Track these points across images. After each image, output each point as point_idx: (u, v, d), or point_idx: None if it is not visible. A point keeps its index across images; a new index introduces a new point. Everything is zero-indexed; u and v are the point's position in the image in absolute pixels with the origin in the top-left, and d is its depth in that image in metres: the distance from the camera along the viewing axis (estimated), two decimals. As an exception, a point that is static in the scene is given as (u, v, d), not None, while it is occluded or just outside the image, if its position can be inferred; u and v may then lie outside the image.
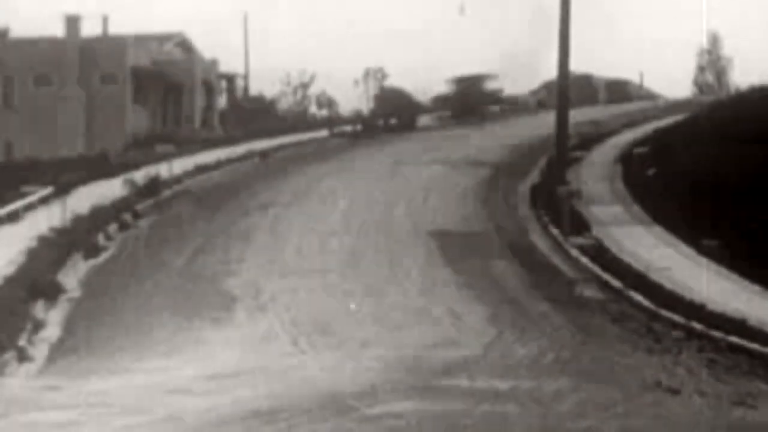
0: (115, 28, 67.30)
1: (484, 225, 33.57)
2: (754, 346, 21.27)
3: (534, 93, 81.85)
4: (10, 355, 21.16)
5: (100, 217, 33.53)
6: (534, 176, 40.78)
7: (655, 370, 19.97)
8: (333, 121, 66.73)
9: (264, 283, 26.77)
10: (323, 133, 58.84)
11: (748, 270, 26.57)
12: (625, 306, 24.83)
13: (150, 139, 57.65)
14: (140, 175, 39.98)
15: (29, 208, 35.64)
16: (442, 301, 25.08)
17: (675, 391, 18.56)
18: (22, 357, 21.23)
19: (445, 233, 32.07)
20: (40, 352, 21.74)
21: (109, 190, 37.98)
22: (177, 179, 41.56)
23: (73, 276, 27.72)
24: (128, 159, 47.49)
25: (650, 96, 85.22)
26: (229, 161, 46.97)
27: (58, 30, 63.15)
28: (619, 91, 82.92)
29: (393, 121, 61.79)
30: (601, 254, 28.95)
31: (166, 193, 39.32)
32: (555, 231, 31.86)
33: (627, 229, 32.13)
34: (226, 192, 39.98)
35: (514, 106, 71.15)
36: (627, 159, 43.48)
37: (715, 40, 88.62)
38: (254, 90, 79.10)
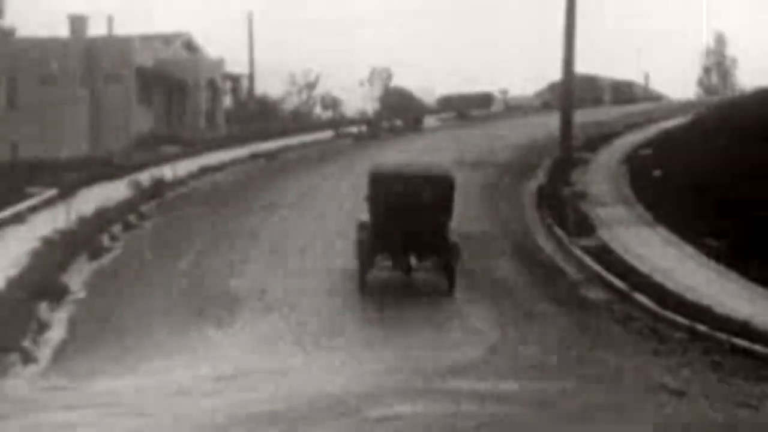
0: (121, 29, 67.54)
1: (489, 226, 33.55)
2: (758, 347, 21.28)
3: (539, 94, 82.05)
4: (14, 356, 21.17)
5: (104, 218, 33.53)
6: (539, 177, 40.79)
7: (659, 372, 19.98)
8: (338, 122, 66.76)
9: (268, 283, 26.77)
10: (328, 134, 58.84)
11: (752, 271, 26.57)
12: (629, 307, 24.83)
13: (155, 140, 57.68)
14: (145, 177, 40.01)
15: (34, 209, 35.64)
16: (447, 302, 25.08)
17: (680, 393, 18.55)
18: (27, 358, 21.24)
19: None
20: (44, 353, 21.74)
21: (113, 191, 38.00)
22: (181, 180, 41.59)
23: (77, 277, 27.72)
24: (133, 160, 47.50)
25: (655, 97, 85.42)
26: (234, 162, 46.98)
27: (63, 30, 63.31)
28: (624, 92, 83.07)
29: (398, 122, 61.82)
30: (605, 255, 28.95)
31: (171, 194, 39.34)
32: (560, 232, 31.87)
33: (632, 230, 32.13)
34: (231, 193, 40.01)
35: None
36: (632, 160, 43.52)
37: (720, 41, 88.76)
38: (259, 90, 79.27)
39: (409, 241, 25.61)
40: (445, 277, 25.83)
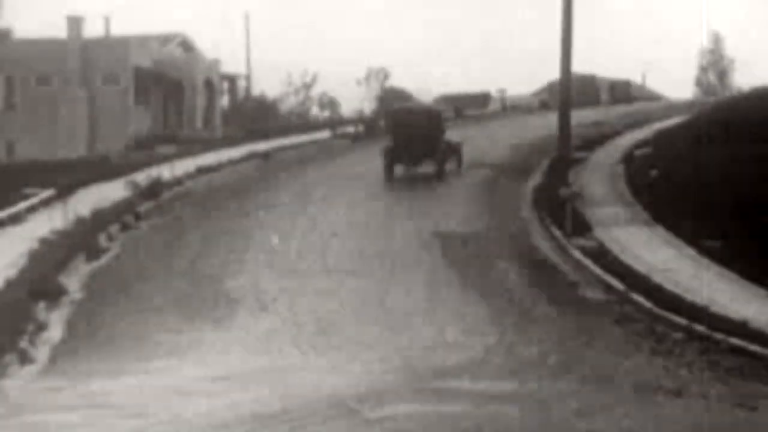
0: (117, 29, 67.51)
1: (487, 226, 33.52)
2: (756, 347, 21.25)
3: (536, 94, 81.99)
4: (11, 356, 21.14)
5: (101, 218, 33.50)
6: (536, 177, 40.78)
7: (656, 372, 19.95)
8: (335, 122, 66.72)
9: (265, 284, 26.76)
10: (325, 134, 58.82)
11: (749, 271, 26.54)
12: (626, 308, 24.79)
13: (152, 140, 57.68)
14: (142, 177, 39.99)
15: (31, 209, 35.61)
16: (445, 303, 25.07)
17: (677, 393, 18.53)
18: (24, 359, 21.21)
19: (447, 234, 32.03)
20: (41, 353, 21.71)
21: (110, 191, 37.97)
22: (179, 181, 41.62)
23: (74, 277, 27.70)
24: (130, 160, 47.50)
25: (653, 96, 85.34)
26: (231, 162, 47.04)
27: (60, 31, 63.22)
28: (621, 91, 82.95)
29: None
30: (603, 255, 28.91)
31: (168, 194, 39.34)
32: (557, 232, 31.84)
33: (629, 230, 32.10)
34: (228, 193, 40.00)
35: None
36: (629, 160, 43.49)
37: (717, 41, 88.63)
38: (256, 90, 79.20)
39: (414, 150, 41.43)
40: (437, 170, 41.44)
